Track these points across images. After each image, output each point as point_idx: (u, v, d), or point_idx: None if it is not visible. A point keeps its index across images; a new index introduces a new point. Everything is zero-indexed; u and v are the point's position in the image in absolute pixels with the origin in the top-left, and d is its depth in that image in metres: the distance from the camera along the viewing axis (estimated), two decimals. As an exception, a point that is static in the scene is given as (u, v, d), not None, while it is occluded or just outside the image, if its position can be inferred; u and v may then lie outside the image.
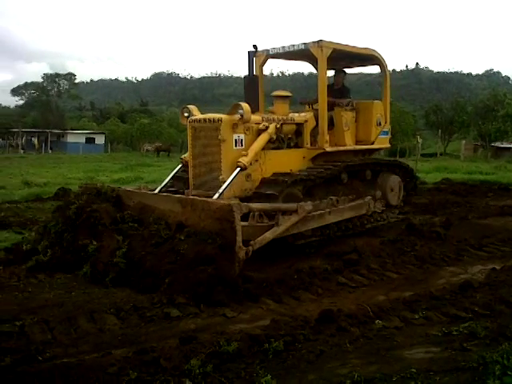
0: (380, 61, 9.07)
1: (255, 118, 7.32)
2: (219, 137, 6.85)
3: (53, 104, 72.80)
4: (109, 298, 5.12)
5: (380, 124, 9.06)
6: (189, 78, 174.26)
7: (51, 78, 76.35)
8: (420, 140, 29.41)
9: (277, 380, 3.33)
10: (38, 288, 5.47)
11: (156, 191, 7.39)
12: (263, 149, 7.30)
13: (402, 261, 6.48)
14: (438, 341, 3.98)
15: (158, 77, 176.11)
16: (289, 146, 7.96)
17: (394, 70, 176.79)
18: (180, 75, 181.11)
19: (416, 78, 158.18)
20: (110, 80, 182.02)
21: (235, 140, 7.01)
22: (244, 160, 6.73)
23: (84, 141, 59.31)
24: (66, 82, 76.78)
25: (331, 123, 8.47)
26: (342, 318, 4.37)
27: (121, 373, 3.42)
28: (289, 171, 7.44)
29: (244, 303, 4.96)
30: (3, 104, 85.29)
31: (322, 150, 8.00)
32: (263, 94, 9.19)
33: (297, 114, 8.20)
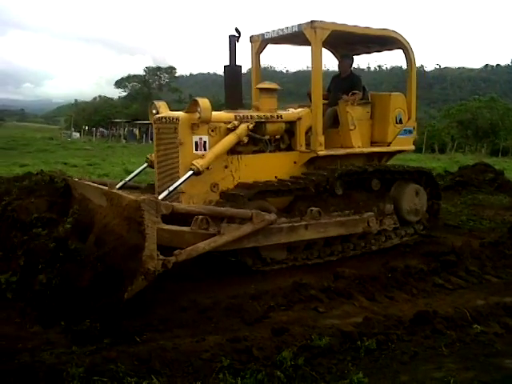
0: (403, 44, 7.56)
1: (225, 115, 6.36)
2: (177, 139, 5.96)
3: (154, 96, 75.45)
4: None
5: (401, 121, 7.60)
6: (285, 72, 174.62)
7: (153, 71, 79.10)
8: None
9: (369, 378, 3.29)
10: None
11: (117, 186, 6.41)
12: (240, 153, 6.37)
13: (503, 264, 6.16)
14: (542, 351, 3.77)
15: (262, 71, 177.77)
16: (278, 149, 6.77)
17: (498, 65, 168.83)
18: (276, 69, 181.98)
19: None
20: (209, 74, 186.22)
21: (196, 142, 6.00)
22: (198, 163, 5.67)
23: (182, 132, 60.90)
24: (166, 75, 79.27)
25: (336, 121, 7.34)
26: (438, 320, 4.23)
27: (214, 359, 3.50)
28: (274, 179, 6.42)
29: (336, 299, 4.92)
30: (107, 95, 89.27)
31: (315, 155, 6.73)
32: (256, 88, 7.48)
33: (291, 110, 7.03)
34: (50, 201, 5.67)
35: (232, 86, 6.93)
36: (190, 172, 5.66)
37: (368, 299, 4.99)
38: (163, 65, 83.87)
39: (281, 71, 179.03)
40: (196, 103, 5.88)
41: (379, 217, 6.76)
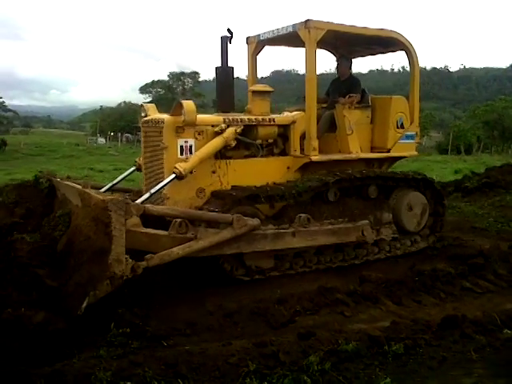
0: (405, 45, 7.22)
1: (212, 118, 6.16)
2: (162, 142, 5.78)
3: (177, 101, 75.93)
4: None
5: (402, 126, 7.25)
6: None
7: (177, 77, 79.72)
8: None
9: (396, 383, 3.26)
10: None
11: (102, 190, 6.32)
12: (230, 157, 6.18)
13: (533, 267, 6.06)
14: None
15: (277, 74, 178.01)
16: (271, 154, 6.55)
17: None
18: (299, 72, 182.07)
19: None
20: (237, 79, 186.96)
21: (181, 146, 5.80)
22: (181, 166, 5.47)
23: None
24: (190, 80, 79.83)
25: (333, 125, 7.03)
26: (467, 324, 4.17)
27: (240, 363, 3.49)
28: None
29: (362, 303, 4.89)
30: (132, 101, 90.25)
31: (308, 160, 6.45)
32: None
33: (285, 114, 6.78)
34: (28, 207, 5.70)
35: (224, 88, 6.72)
36: (173, 175, 5.47)
37: (395, 303, 4.95)
38: (187, 70, 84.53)
39: (304, 74, 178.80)
40: (180, 106, 5.68)
41: (376, 226, 6.50)
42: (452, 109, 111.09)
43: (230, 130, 5.98)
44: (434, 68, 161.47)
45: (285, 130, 6.58)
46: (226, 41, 6.53)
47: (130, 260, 4.21)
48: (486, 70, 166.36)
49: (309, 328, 4.16)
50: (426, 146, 45.71)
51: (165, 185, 5.47)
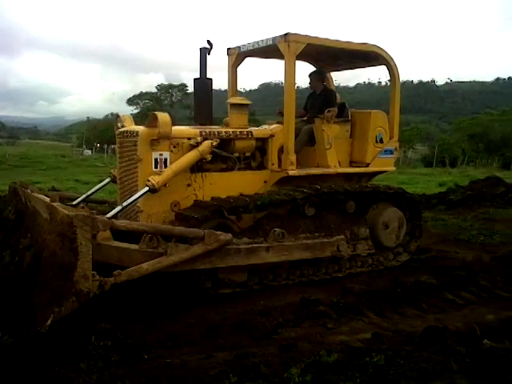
0: (386, 60, 7.17)
1: (188, 131, 6.09)
2: (136, 155, 5.71)
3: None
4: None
5: (381, 141, 7.23)
6: (295, 88, 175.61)
7: (165, 89, 79.86)
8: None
9: (377, 395, 3.26)
10: None
11: (75, 202, 6.33)
12: (208, 170, 6.14)
13: (514, 279, 6.10)
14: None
15: (265, 87, 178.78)
16: (249, 167, 6.51)
17: (509, 78, 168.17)
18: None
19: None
20: (220, 90, 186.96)
21: (155, 159, 5.72)
22: (155, 179, 5.39)
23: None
24: (178, 92, 79.95)
25: (312, 139, 6.98)
26: (448, 335, 4.19)
27: (222, 376, 3.48)
28: None
29: (345, 315, 4.89)
30: (120, 113, 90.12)
31: (285, 174, 6.41)
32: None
33: (264, 127, 6.75)
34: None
35: (202, 100, 6.68)
36: (146, 188, 5.40)
37: (377, 315, 4.96)
38: (176, 82, 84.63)
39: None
40: (155, 118, 5.60)
41: (352, 241, 6.44)
42: (438, 122, 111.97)
43: (206, 143, 5.92)
44: (421, 81, 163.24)
45: (263, 143, 6.56)
46: (205, 52, 6.53)
47: (98, 276, 4.13)
48: (472, 84, 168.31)
49: (291, 340, 4.16)
50: (412, 158, 46.05)
51: (138, 198, 5.42)
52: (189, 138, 5.96)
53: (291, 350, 3.89)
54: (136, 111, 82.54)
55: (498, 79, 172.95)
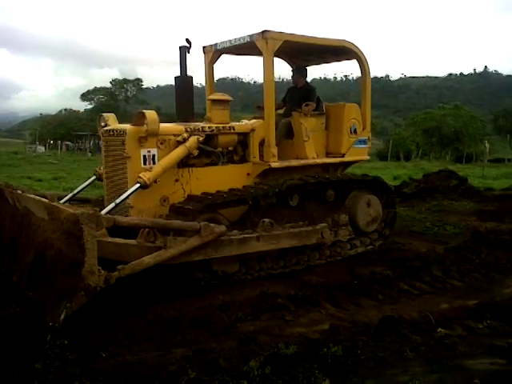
0: (357, 54, 7.53)
1: (174, 128, 6.27)
2: (124, 153, 5.85)
3: (120, 109, 74.90)
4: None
5: (355, 131, 7.61)
6: (252, 83, 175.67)
7: (119, 84, 78.65)
8: (487, 145, 28.55)
9: (335, 385, 3.31)
10: None
11: (62, 200, 6.28)
12: (193, 165, 6.31)
13: (466, 269, 6.25)
14: (504, 352, 3.83)
15: (222, 82, 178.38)
16: (231, 161, 6.75)
17: (461, 74, 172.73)
18: (243, 80, 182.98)
19: (485, 81, 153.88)
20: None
21: (144, 156, 5.90)
22: (145, 176, 5.56)
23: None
24: (133, 87, 78.90)
25: (290, 132, 7.31)
26: (404, 325, 4.28)
27: (180, 372, 3.47)
28: None
29: (303, 307, 4.93)
30: (73, 108, 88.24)
31: (267, 166, 6.71)
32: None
33: (244, 122, 7.03)
34: None
35: (183, 97, 6.85)
36: (137, 185, 5.55)
37: (335, 306, 5.01)
38: (131, 77, 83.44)
39: (248, 82, 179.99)
40: (143, 115, 5.75)
41: (333, 228, 6.76)
42: (393, 117, 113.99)
43: (193, 139, 6.08)
44: (376, 77, 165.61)
45: (244, 137, 6.79)
46: (184, 51, 6.70)
47: (103, 271, 4.25)
48: (426, 79, 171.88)
49: (249, 333, 4.17)
50: (368, 152, 46.69)
51: (129, 194, 5.54)
52: (175, 135, 6.10)
53: (250, 344, 3.90)
54: (90, 107, 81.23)
55: (450, 75, 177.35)
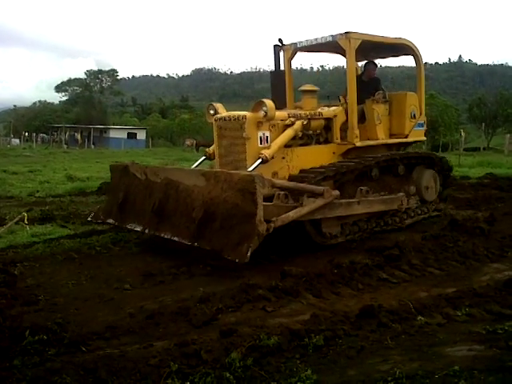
0: (414, 51, 8.83)
1: (281, 114, 7.28)
2: (244, 134, 6.89)
3: (95, 100, 74.11)
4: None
5: (415, 116, 8.87)
6: (229, 73, 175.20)
7: (94, 75, 77.79)
8: (463, 134, 28.91)
9: (317, 375, 3.30)
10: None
11: None
12: (290, 146, 7.33)
13: (444, 257, 6.33)
14: (481, 339, 3.88)
15: (198, 72, 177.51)
16: (318, 142, 7.87)
17: (436, 63, 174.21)
18: (220, 70, 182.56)
19: (459, 70, 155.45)
20: (152, 76, 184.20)
21: (260, 137, 7.00)
22: (266, 152, 6.73)
23: (126, 136, 60.32)
24: (108, 78, 78.05)
25: (362, 117, 8.36)
26: (383, 313, 4.30)
27: (162, 364, 3.45)
28: None
29: (284, 297, 4.94)
30: (48, 100, 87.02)
31: (352, 145, 7.90)
32: (292, 89, 9.14)
33: (326, 109, 8.09)
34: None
35: (277, 89, 7.99)
36: (260, 160, 6.67)
37: (315, 296, 5.03)
38: (106, 68, 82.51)
39: (225, 72, 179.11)
40: (262, 103, 6.86)
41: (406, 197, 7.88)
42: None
43: (299, 122, 7.23)
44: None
45: (328, 122, 7.91)
46: (277, 49, 8.01)
47: (266, 222, 5.39)
48: (401, 69, 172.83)
49: (231, 325, 4.16)
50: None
51: (255, 168, 6.59)
52: (282, 120, 7.20)
53: (231, 335, 3.89)
54: (65, 98, 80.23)
55: (425, 64, 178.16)
